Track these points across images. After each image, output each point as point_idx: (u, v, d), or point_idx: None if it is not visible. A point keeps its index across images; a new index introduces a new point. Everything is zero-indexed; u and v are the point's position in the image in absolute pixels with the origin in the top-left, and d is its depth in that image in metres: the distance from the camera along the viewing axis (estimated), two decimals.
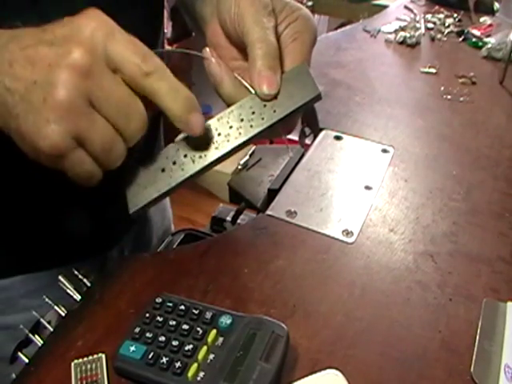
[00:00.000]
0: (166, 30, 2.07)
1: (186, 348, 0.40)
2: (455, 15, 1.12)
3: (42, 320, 0.45)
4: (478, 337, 0.44)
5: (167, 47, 2.06)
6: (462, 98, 0.81)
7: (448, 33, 1.05)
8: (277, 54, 0.42)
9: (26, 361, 0.43)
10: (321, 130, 0.72)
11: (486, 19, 1.10)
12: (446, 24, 1.08)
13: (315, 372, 0.38)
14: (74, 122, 0.35)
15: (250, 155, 0.65)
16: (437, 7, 1.17)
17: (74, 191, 0.59)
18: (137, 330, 0.41)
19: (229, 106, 0.44)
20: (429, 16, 1.12)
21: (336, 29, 1.34)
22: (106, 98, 0.36)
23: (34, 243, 0.60)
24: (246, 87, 0.44)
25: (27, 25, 0.42)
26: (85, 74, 0.35)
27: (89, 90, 0.35)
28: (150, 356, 0.39)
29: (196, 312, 0.42)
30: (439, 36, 1.04)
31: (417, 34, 0.99)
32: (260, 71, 0.41)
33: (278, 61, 0.42)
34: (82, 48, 0.35)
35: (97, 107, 0.36)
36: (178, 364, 0.39)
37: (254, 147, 0.67)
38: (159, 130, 0.73)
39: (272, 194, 0.60)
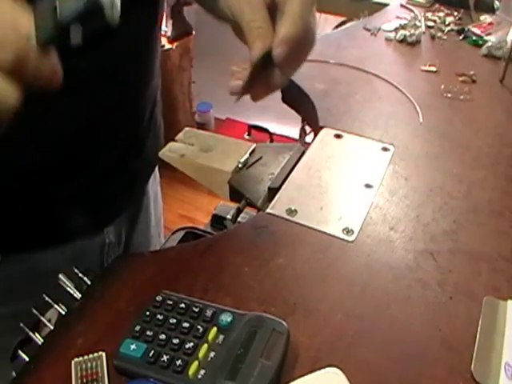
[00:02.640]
0: (166, 28, 2.06)
1: (187, 346, 0.40)
2: (455, 13, 1.12)
3: (42, 318, 0.45)
4: (478, 335, 0.44)
5: (167, 46, 2.06)
6: (462, 97, 0.81)
7: (448, 31, 1.05)
8: None
9: (27, 359, 0.43)
10: (321, 128, 0.72)
11: (486, 17, 1.10)
12: (447, 22, 1.08)
13: (316, 370, 0.38)
14: None
15: (251, 153, 0.65)
16: (437, 5, 1.16)
17: (68, 168, 0.59)
18: (137, 328, 0.42)
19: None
20: (429, 14, 1.11)
21: (336, 27, 1.34)
22: None
23: (30, 222, 0.60)
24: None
25: None
26: None
27: None
28: (151, 354, 0.39)
29: (196, 310, 0.42)
30: (439, 34, 1.03)
31: (417, 32, 0.99)
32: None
33: None
34: None
35: None
36: (178, 362, 0.39)
37: (254, 145, 0.67)
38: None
39: (272, 192, 0.60)
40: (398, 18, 1.09)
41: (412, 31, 0.99)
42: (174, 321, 0.42)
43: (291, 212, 0.56)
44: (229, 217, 0.67)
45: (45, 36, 0.34)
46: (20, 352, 0.44)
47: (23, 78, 0.34)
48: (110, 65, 0.55)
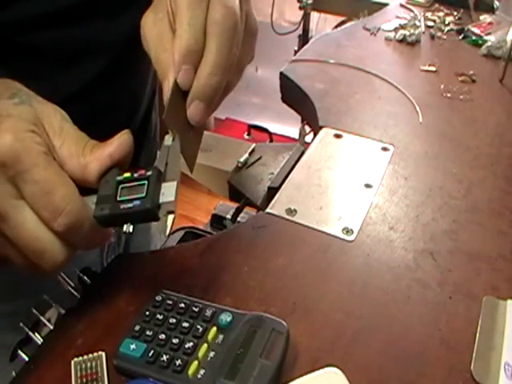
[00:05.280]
0: None
1: (187, 346, 0.40)
2: (455, 13, 1.12)
3: (42, 318, 0.45)
4: (477, 335, 0.44)
5: None
6: (461, 96, 0.81)
7: (448, 31, 1.05)
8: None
9: (26, 359, 0.43)
10: (321, 128, 0.72)
11: (485, 17, 1.09)
12: (446, 22, 1.08)
13: (315, 370, 0.38)
14: None
15: (250, 153, 0.65)
16: (437, 5, 1.16)
17: None
18: (137, 327, 0.42)
19: None
20: (429, 14, 1.11)
21: (336, 27, 1.34)
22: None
23: None
24: None
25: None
26: None
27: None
28: (151, 354, 0.39)
29: (196, 310, 0.42)
30: (439, 34, 1.03)
31: (417, 32, 0.99)
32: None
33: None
34: None
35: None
36: (178, 362, 0.39)
37: (253, 145, 0.67)
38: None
39: (272, 191, 0.60)
40: (397, 17, 1.08)
41: (412, 31, 0.99)
42: (174, 320, 0.42)
43: (291, 212, 0.56)
44: (228, 216, 0.68)
45: (98, 213, 0.37)
46: (20, 352, 0.44)
47: (74, 241, 0.38)
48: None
